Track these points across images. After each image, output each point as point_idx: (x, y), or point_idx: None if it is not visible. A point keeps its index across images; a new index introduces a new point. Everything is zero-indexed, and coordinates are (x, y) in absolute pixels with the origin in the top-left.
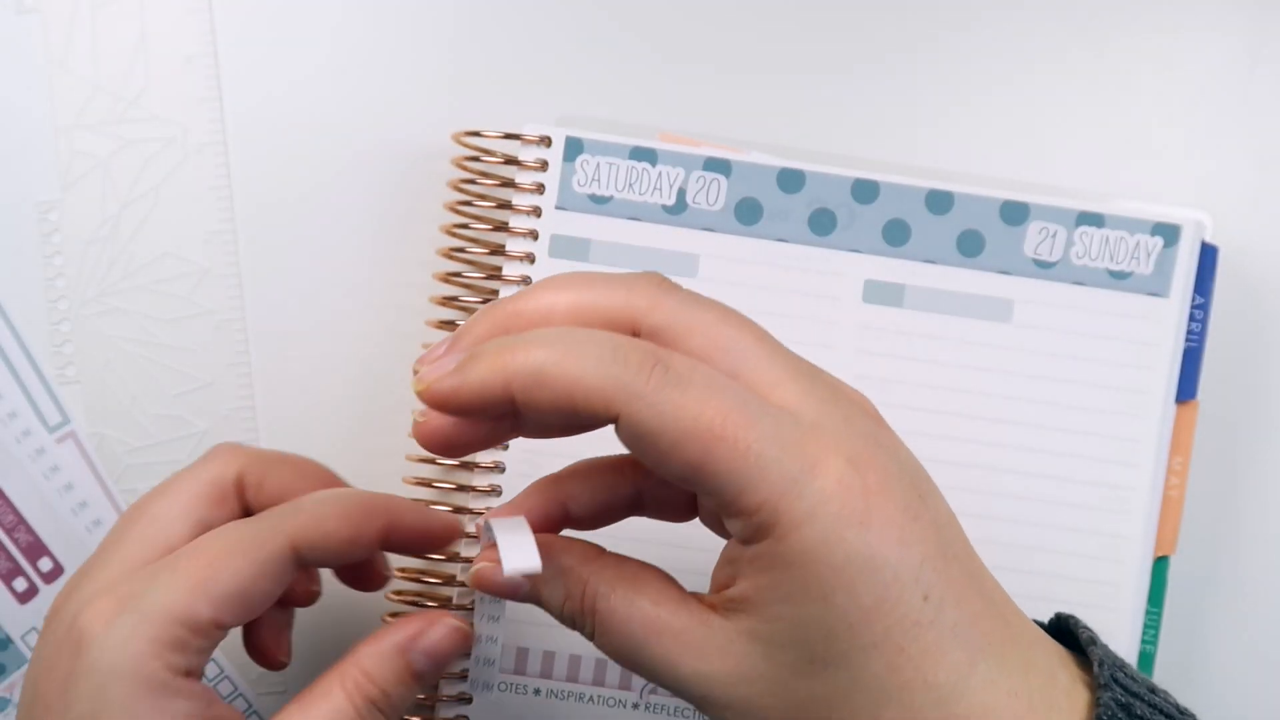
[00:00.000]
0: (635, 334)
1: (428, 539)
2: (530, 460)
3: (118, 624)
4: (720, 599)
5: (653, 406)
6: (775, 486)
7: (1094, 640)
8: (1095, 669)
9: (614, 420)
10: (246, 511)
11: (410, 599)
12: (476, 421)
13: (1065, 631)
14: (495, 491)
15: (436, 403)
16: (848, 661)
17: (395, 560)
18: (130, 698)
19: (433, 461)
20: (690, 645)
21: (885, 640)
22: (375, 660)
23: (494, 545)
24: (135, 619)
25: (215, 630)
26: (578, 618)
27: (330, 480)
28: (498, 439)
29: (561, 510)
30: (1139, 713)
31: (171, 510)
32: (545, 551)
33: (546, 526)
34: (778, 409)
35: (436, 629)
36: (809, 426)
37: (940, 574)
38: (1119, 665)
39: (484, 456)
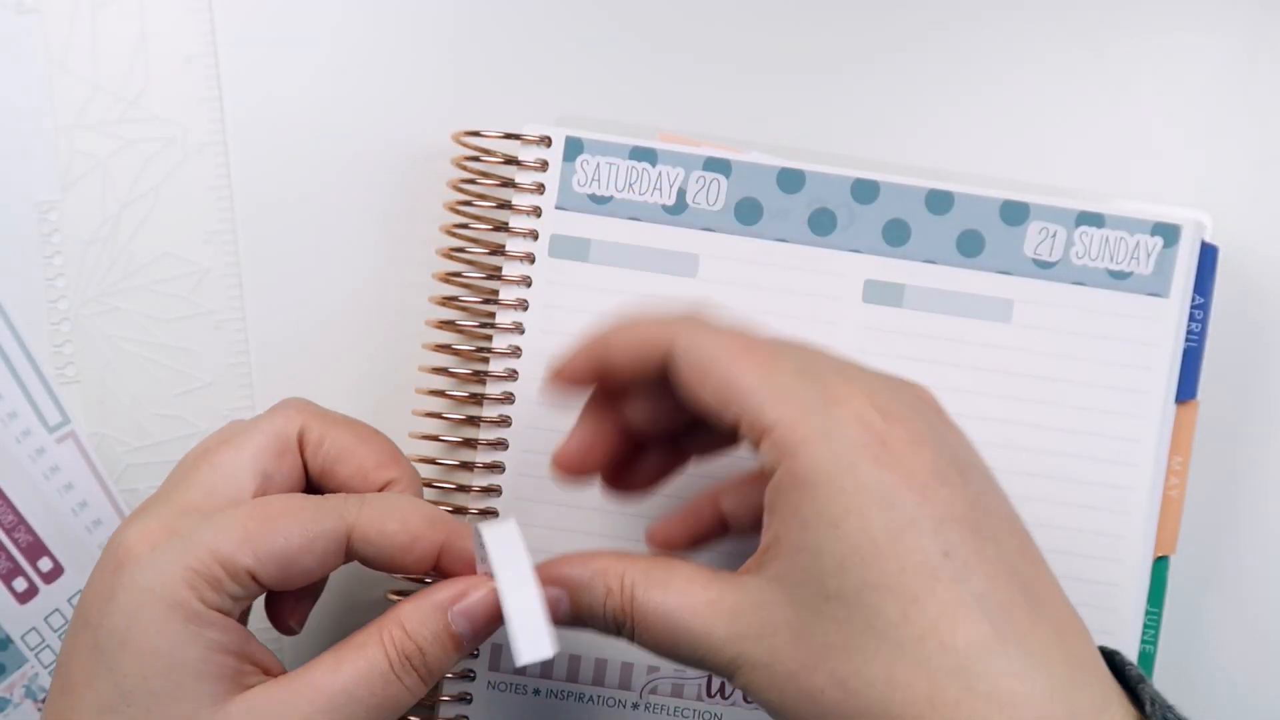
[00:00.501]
0: None
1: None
2: (530, 460)
3: (161, 549)
4: (755, 558)
5: (693, 333)
6: (794, 406)
7: (1143, 679)
8: (1147, 707)
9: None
10: (305, 467)
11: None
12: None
13: (1111, 667)
14: (495, 491)
15: (565, 377)
16: (860, 600)
17: None
18: (162, 618)
19: (433, 461)
20: (724, 610)
21: (899, 584)
22: (415, 617)
23: (488, 573)
24: (178, 548)
25: (250, 581)
26: (620, 615)
27: (389, 450)
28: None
29: (620, 423)
30: None
31: (238, 459)
32: (576, 561)
33: (607, 442)
34: (821, 354)
35: (478, 592)
36: (848, 376)
37: (967, 543)
38: (1169, 707)
39: (484, 457)
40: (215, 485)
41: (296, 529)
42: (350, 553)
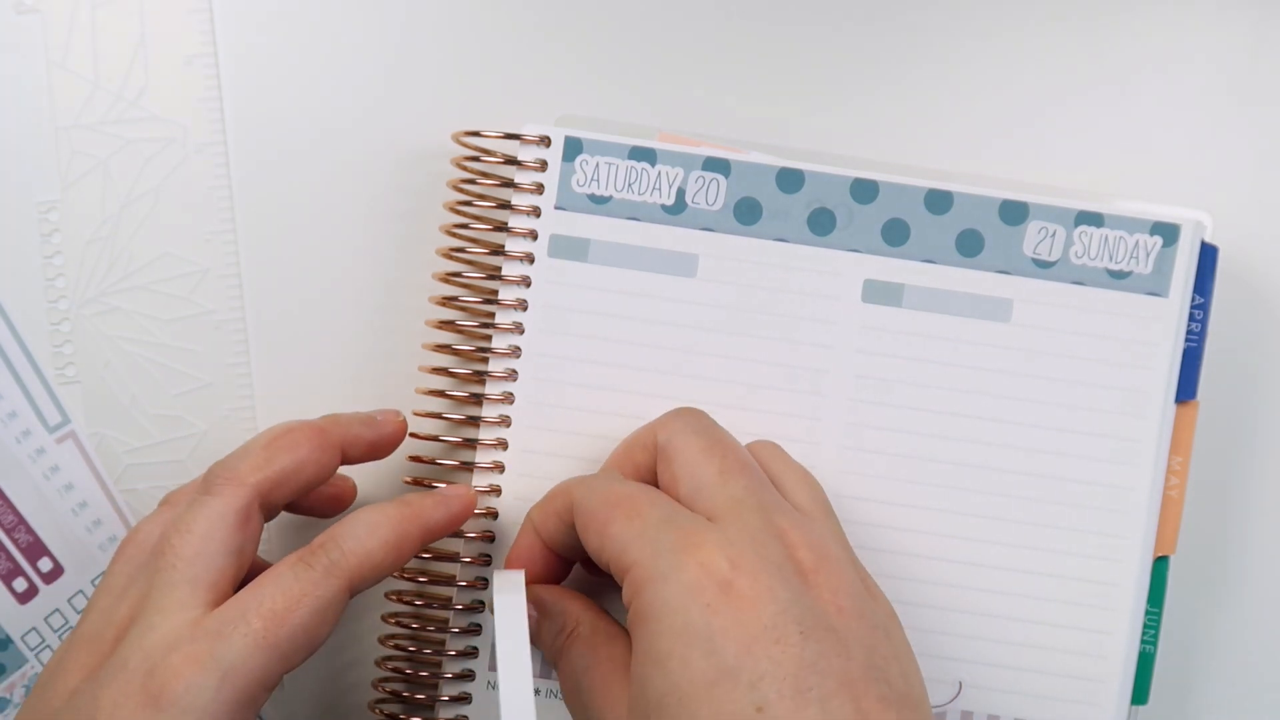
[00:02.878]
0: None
1: (458, 523)
2: (529, 460)
3: (199, 686)
4: None
5: (587, 489)
6: (647, 551)
7: None
8: None
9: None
10: (267, 511)
11: (408, 599)
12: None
13: None
14: (495, 492)
15: (517, 566)
16: None
17: None
18: None
19: (432, 462)
20: (602, 697)
21: None
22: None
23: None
24: (216, 681)
25: (280, 677)
26: (557, 652)
27: (322, 457)
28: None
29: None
30: None
31: (209, 548)
32: (556, 595)
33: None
34: (687, 512)
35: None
36: (708, 528)
37: (785, 702)
38: None
39: (483, 457)
40: (204, 580)
41: (308, 612)
42: (353, 595)
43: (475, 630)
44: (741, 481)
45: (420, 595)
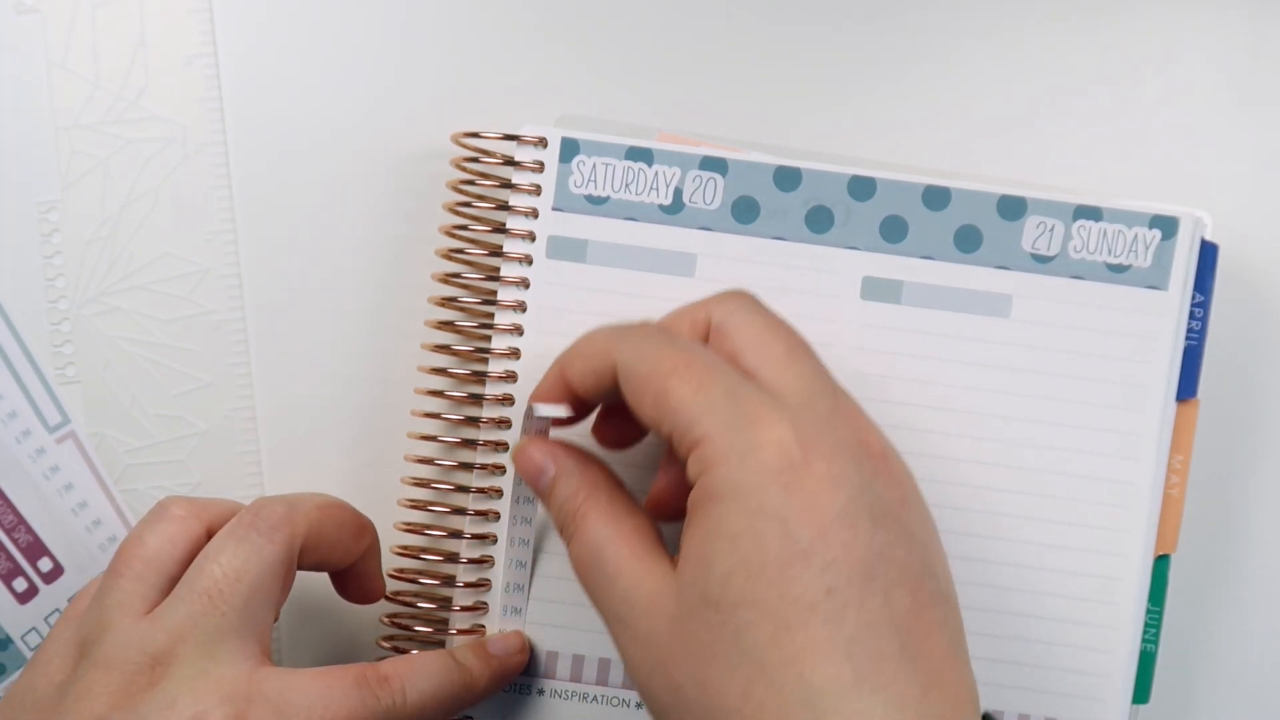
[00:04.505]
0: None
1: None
2: None
3: None
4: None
5: (635, 349)
6: (718, 424)
7: None
8: None
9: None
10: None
11: (407, 600)
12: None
13: None
14: (495, 493)
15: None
16: (735, 615)
17: (392, 561)
18: None
19: (431, 462)
20: (636, 573)
21: (776, 609)
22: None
23: (531, 431)
24: None
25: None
26: (569, 517)
27: (354, 547)
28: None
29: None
30: None
31: (258, 597)
32: (577, 456)
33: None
34: (752, 381)
35: None
36: (772, 399)
37: (854, 587)
38: None
39: (483, 458)
40: (247, 626)
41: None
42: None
43: None
44: (810, 362)
45: (419, 596)
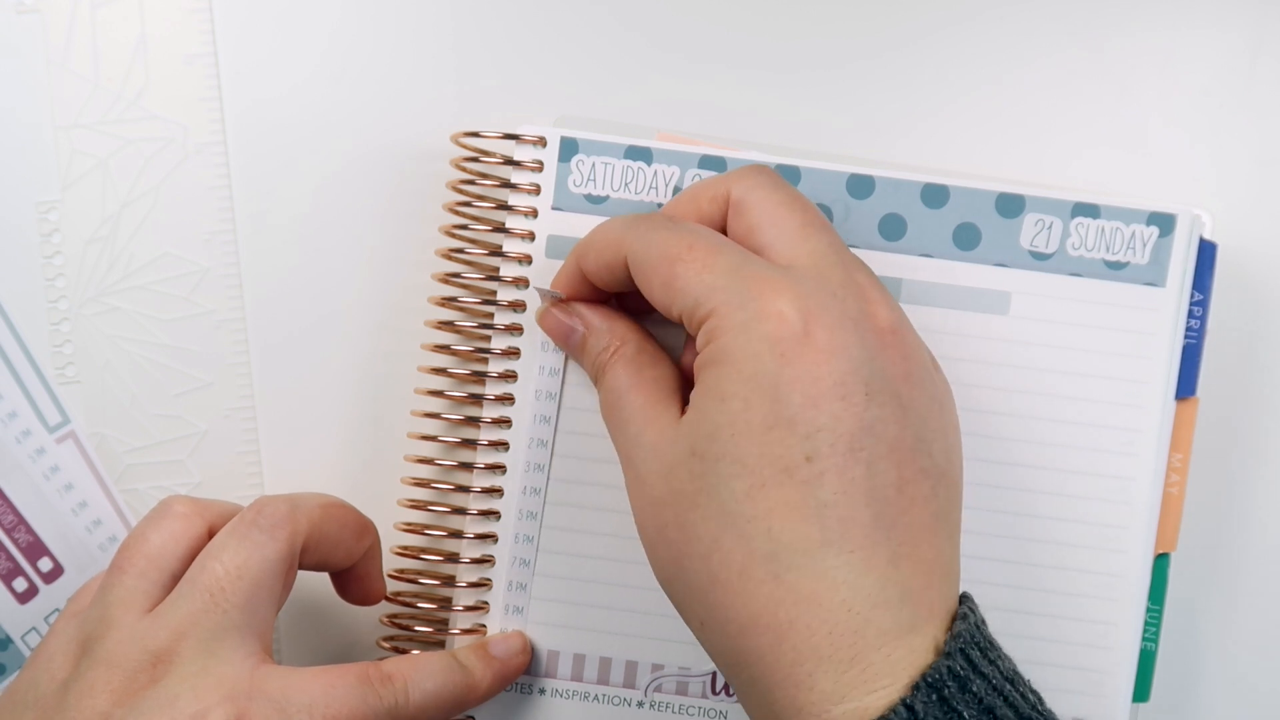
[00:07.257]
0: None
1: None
2: (528, 461)
3: None
4: None
5: (643, 239)
6: (721, 300)
7: (967, 615)
8: (948, 639)
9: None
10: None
11: (407, 600)
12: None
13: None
14: (496, 492)
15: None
16: (716, 467)
17: (392, 561)
18: None
19: (431, 462)
20: (651, 416)
21: (756, 468)
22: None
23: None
24: None
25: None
26: (600, 369)
27: (355, 548)
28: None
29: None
30: (974, 689)
31: (259, 595)
32: (603, 312)
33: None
34: (761, 256)
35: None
36: (780, 272)
37: (836, 456)
38: (979, 644)
39: (483, 458)
40: (248, 624)
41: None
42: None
43: None
44: (825, 237)
45: (418, 596)
